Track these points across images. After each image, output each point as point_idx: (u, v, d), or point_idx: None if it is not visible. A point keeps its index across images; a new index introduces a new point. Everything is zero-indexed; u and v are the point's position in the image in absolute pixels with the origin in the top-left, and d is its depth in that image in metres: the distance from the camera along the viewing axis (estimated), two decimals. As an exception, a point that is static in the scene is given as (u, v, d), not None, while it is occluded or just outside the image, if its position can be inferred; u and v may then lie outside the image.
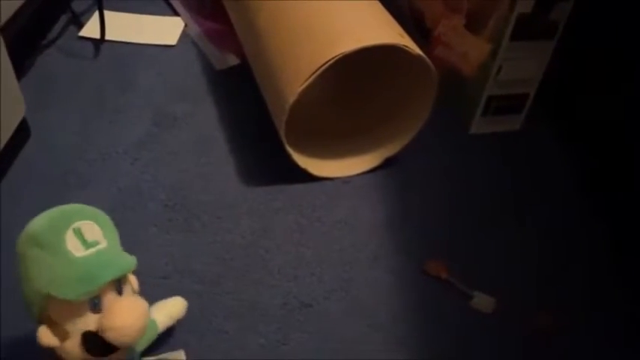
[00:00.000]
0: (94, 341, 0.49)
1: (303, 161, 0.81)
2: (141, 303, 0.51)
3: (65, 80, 0.95)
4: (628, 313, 0.72)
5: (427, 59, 0.75)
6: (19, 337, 0.63)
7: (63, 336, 0.50)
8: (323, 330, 0.67)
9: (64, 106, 0.91)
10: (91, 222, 0.51)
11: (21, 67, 0.94)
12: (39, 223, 0.51)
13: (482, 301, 0.71)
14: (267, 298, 0.69)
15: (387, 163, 0.86)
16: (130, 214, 0.77)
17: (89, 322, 0.49)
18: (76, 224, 0.50)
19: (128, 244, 0.73)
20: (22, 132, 0.82)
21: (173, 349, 0.63)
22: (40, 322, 0.50)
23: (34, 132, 0.85)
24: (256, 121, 0.90)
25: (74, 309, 0.49)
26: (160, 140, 0.87)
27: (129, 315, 0.49)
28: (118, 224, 0.75)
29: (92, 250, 0.50)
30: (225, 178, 0.83)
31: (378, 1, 0.84)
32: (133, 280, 0.54)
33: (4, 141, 0.77)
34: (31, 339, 0.51)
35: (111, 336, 0.48)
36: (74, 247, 0.49)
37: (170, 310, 0.63)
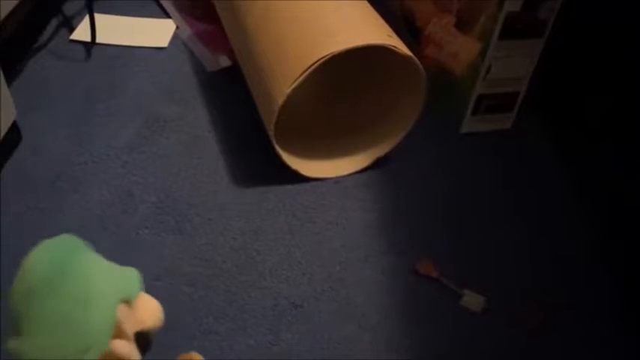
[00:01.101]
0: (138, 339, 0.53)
1: (294, 162, 0.81)
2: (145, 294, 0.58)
3: (56, 83, 0.96)
4: (619, 311, 0.72)
5: (416, 60, 0.75)
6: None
7: (128, 341, 0.52)
8: (314, 330, 0.67)
9: (55, 109, 0.91)
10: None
11: (12, 71, 0.94)
12: (61, 251, 0.50)
13: (472, 300, 0.71)
14: (258, 300, 0.69)
15: (377, 163, 0.86)
16: (121, 216, 0.77)
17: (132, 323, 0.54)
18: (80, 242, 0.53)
19: (120, 246, 0.74)
20: (12, 135, 0.82)
21: (164, 350, 0.63)
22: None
23: (25, 135, 0.85)
24: (247, 123, 0.90)
25: (130, 311, 0.53)
26: (151, 142, 0.87)
27: (152, 302, 0.57)
28: (110, 227, 0.76)
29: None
30: (216, 179, 0.83)
31: (367, 2, 0.84)
32: None
33: (-5, 145, 0.77)
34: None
35: (152, 323, 0.56)
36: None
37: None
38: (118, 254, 0.72)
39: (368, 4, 0.83)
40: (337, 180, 0.85)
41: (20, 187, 0.79)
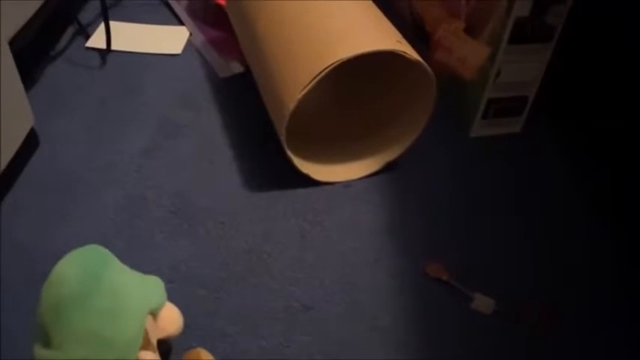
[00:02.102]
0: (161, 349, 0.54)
1: (305, 166, 0.82)
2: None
3: (72, 90, 0.98)
4: (630, 311, 0.72)
5: (425, 65, 0.76)
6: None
7: (154, 352, 0.53)
8: (325, 332, 0.68)
9: (71, 115, 0.93)
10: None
11: (30, 78, 0.96)
12: (88, 263, 0.49)
13: (483, 303, 0.71)
14: (269, 302, 0.71)
15: (387, 168, 0.87)
16: (136, 220, 0.78)
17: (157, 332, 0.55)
18: (106, 251, 0.54)
19: (134, 249, 0.75)
20: (30, 141, 0.84)
21: (177, 352, 0.64)
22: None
23: (42, 141, 0.87)
24: (259, 128, 0.91)
25: (154, 321, 0.55)
26: (165, 148, 0.89)
27: (172, 309, 0.58)
28: (124, 230, 0.77)
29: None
30: (229, 184, 0.84)
31: (376, 7, 0.85)
32: None
33: (14, 151, 0.79)
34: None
35: (174, 330, 0.57)
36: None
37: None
38: (132, 257, 0.74)
39: (377, 10, 0.84)
40: (347, 184, 0.86)
41: (37, 191, 0.81)
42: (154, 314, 0.55)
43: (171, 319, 0.58)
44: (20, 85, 0.80)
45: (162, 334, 0.57)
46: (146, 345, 0.51)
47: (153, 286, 0.57)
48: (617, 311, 0.72)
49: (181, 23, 1.14)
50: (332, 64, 0.72)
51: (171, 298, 0.69)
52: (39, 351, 0.47)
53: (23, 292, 0.69)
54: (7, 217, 0.77)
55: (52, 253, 0.73)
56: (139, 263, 0.72)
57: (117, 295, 0.48)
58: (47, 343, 0.47)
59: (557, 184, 0.88)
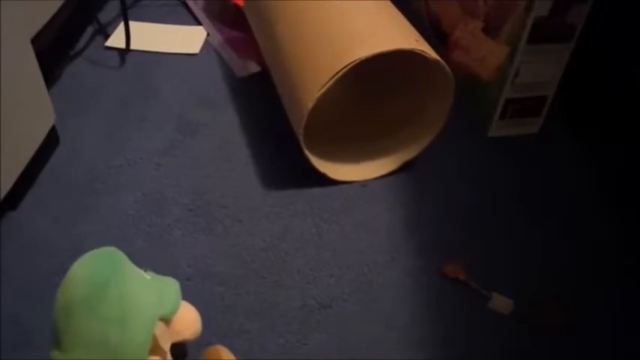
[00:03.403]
0: (177, 354, 0.54)
1: (322, 165, 0.83)
2: (186, 303, 0.58)
3: (92, 89, 0.99)
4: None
5: (444, 64, 0.76)
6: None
7: (163, 357, 0.52)
8: (342, 330, 0.68)
9: (90, 114, 0.94)
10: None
11: (50, 77, 0.97)
12: (98, 266, 0.50)
13: (500, 303, 0.71)
14: (286, 300, 0.71)
15: (405, 167, 0.87)
16: (154, 218, 0.79)
17: (171, 336, 0.54)
18: (123, 256, 0.54)
19: (153, 246, 0.76)
20: (51, 139, 0.86)
21: (196, 348, 0.65)
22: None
23: (63, 139, 0.88)
24: (276, 127, 0.92)
25: (166, 326, 0.54)
26: (183, 146, 0.90)
27: (190, 312, 0.57)
28: (143, 227, 0.78)
29: (145, 271, 0.56)
30: (246, 182, 0.85)
31: (394, 7, 0.85)
32: None
33: (35, 148, 0.80)
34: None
35: (191, 334, 0.56)
36: (141, 272, 0.54)
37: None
38: (150, 254, 0.75)
39: (396, 9, 0.84)
40: (364, 183, 0.86)
41: (58, 188, 0.82)
42: (165, 320, 0.54)
43: (187, 323, 0.57)
44: (42, 84, 0.81)
45: (177, 338, 0.56)
46: (155, 350, 0.51)
47: (166, 292, 0.55)
48: (637, 313, 0.72)
49: (199, 23, 1.15)
50: (350, 64, 0.72)
51: (189, 295, 0.70)
52: (51, 352, 0.48)
53: (44, 288, 0.70)
54: (28, 214, 0.78)
55: (72, 250, 0.74)
56: (157, 260, 0.74)
57: (125, 302, 0.48)
58: (58, 345, 0.47)
59: (576, 185, 0.87)
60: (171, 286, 0.56)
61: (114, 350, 0.46)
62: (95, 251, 0.52)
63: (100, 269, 0.49)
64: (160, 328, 0.52)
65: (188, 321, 0.57)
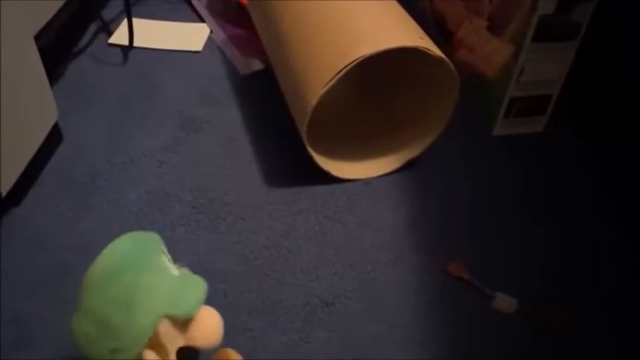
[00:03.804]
0: (182, 355, 0.52)
1: (325, 163, 0.82)
2: (213, 309, 0.55)
3: (95, 86, 0.99)
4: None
5: (448, 61, 0.76)
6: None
7: (164, 356, 0.51)
8: (345, 329, 0.68)
9: (93, 110, 0.94)
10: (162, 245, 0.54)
11: (53, 74, 0.97)
12: (129, 247, 0.51)
13: (504, 302, 0.71)
14: (289, 297, 0.71)
15: (408, 165, 0.87)
16: (157, 215, 0.79)
17: (181, 339, 0.52)
18: (161, 246, 0.53)
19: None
20: (54, 136, 0.85)
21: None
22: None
23: (66, 136, 0.88)
24: (279, 125, 0.92)
25: (176, 327, 0.51)
26: (186, 143, 0.89)
27: (213, 320, 0.54)
28: (146, 224, 0.78)
29: (178, 268, 0.54)
30: (249, 180, 0.85)
31: (399, 5, 0.85)
32: None
33: (38, 144, 0.80)
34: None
35: (205, 343, 0.52)
36: (170, 267, 0.52)
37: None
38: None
39: (400, 7, 0.84)
40: (368, 181, 0.86)
41: (61, 185, 0.82)
42: (175, 320, 0.52)
43: (204, 332, 0.54)
44: (45, 80, 0.81)
45: (190, 343, 0.53)
46: (156, 346, 0.50)
47: (185, 293, 0.52)
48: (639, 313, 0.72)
49: (202, 21, 1.15)
50: (355, 61, 0.72)
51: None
52: (74, 315, 0.51)
53: (45, 285, 0.70)
54: (30, 210, 0.78)
55: (74, 247, 0.74)
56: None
57: (136, 291, 0.49)
58: (78, 307, 0.50)
59: (580, 184, 0.87)
60: (194, 289, 0.53)
61: (113, 332, 0.48)
62: (134, 234, 0.53)
63: (123, 256, 0.50)
64: (165, 326, 0.51)
65: (206, 330, 0.54)
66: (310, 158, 0.81)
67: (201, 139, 0.90)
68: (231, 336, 0.66)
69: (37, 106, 0.80)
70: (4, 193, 0.72)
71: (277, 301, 0.70)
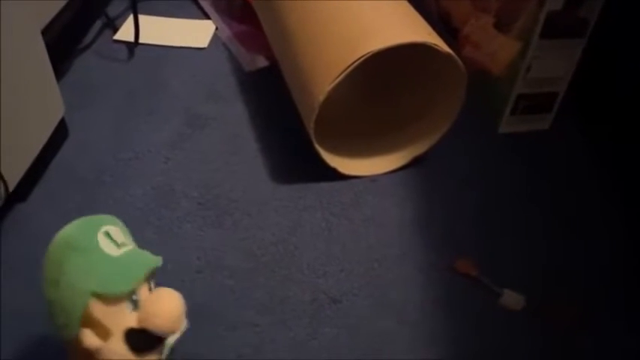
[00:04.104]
0: (137, 337, 0.50)
1: (332, 160, 0.82)
2: (176, 292, 0.53)
3: (101, 82, 0.98)
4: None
5: (456, 57, 0.76)
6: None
7: (104, 336, 0.51)
8: (352, 325, 0.68)
9: (99, 107, 0.94)
10: (115, 227, 0.54)
11: (59, 70, 0.97)
12: (69, 230, 0.53)
13: (512, 299, 0.70)
14: (297, 294, 0.70)
15: (415, 162, 0.87)
16: (164, 211, 0.79)
17: (129, 319, 0.51)
18: (104, 228, 0.53)
19: (163, 240, 0.75)
20: (60, 132, 0.85)
21: (207, 342, 0.64)
22: (82, 326, 0.51)
23: (72, 132, 0.88)
24: (285, 121, 0.91)
25: (117, 307, 0.51)
26: (192, 140, 0.89)
27: (169, 301, 0.51)
28: (153, 221, 0.78)
29: (124, 249, 0.53)
30: (255, 176, 0.84)
31: (406, 1, 0.85)
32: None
33: (45, 139, 0.80)
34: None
35: (155, 323, 0.50)
36: (108, 248, 0.52)
37: None
38: (160, 247, 0.74)
39: (408, 4, 0.84)
40: (374, 178, 0.85)
41: (67, 181, 0.82)
42: (107, 299, 0.50)
43: (154, 314, 0.51)
44: (52, 75, 0.80)
45: (142, 325, 0.51)
46: (95, 326, 0.50)
47: (117, 273, 0.51)
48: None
49: (207, 17, 1.15)
50: (363, 56, 0.72)
51: (199, 288, 0.70)
52: None
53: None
54: (36, 206, 0.78)
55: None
56: (167, 253, 0.72)
57: (62, 270, 0.50)
58: None
59: (586, 182, 0.87)
60: (130, 268, 0.51)
61: (53, 309, 0.51)
62: (82, 218, 0.55)
63: (60, 238, 0.53)
64: (98, 306, 0.50)
65: (158, 311, 0.51)
66: (317, 155, 0.81)
67: (206, 136, 0.90)
68: (238, 331, 0.66)
69: (43, 100, 0.80)
70: (10, 189, 0.72)
71: (284, 297, 0.70)
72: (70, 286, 0.50)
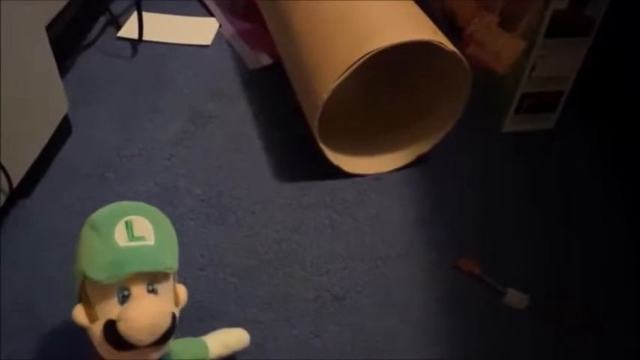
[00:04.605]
0: (111, 330, 0.50)
1: (336, 158, 0.82)
2: (163, 305, 0.51)
3: (104, 79, 0.98)
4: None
5: (461, 56, 0.75)
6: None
7: (93, 318, 0.51)
8: (355, 323, 0.68)
9: (103, 103, 0.94)
10: (144, 219, 0.53)
11: (62, 67, 0.97)
12: (101, 210, 0.55)
13: (515, 298, 0.70)
14: (300, 291, 0.70)
15: (418, 161, 0.86)
16: (167, 208, 0.77)
17: (114, 310, 0.51)
18: (129, 217, 0.53)
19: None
20: (64, 128, 0.85)
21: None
22: (79, 301, 0.53)
23: (75, 128, 0.88)
24: (288, 119, 0.91)
25: (105, 294, 0.51)
26: (196, 137, 0.89)
27: (144, 311, 0.50)
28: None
29: (136, 243, 0.52)
30: (259, 174, 0.84)
31: (412, 0, 0.84)
32: (181, 292, 0.55)
33: (49, 136, 0.80)
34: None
35: (121, 327, 0.49)
36: (120, 237, 0.51)
37: (227, 338, 0.62)
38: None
39: (412, 2, 0.84)
40: (378, 176, 0.85)
41: (70, 177, 0.82)
42: (94, 283, 0.50)
43: (127, 317, 0.50)
44: (56, 71, 0.80)
45: (118, 322, 0.50)
46: (89, 305, 0.51)
47: (105, 262, 0.51)
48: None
49: (211, 15, 1.15)
50: (367, 55, 0.71)
51: (202, 285, 0.70)
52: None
53: (54, 276, 0.70)
54: (40, 202, 0.78)
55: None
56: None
57: (79, 243, 0.53)
58: None
59: (590, 182, 0.87)
60: (122, 263, 0.51)
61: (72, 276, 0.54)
62: (120, 203, 0.56)
63: (94, 215, 0.54)
64: (91, 286, 0.51)
65: (129, 315, 0.50)
66: (320, 153, 0.81)
67: (210, 133, 0.90)
68: (241, 328, 0.66)
69: (47, 96, 0.79)
70: (14, 185, 0.72)
71: (288, 295, 0.70)
72: (77, 261, 0.53)
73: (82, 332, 0.54)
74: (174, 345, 0.56)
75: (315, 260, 0.74)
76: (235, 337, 0.63)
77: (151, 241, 0.53)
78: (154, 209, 0.56)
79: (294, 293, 0.70)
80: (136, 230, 0.52)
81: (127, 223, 0.52)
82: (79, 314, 0.52)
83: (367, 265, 0.74)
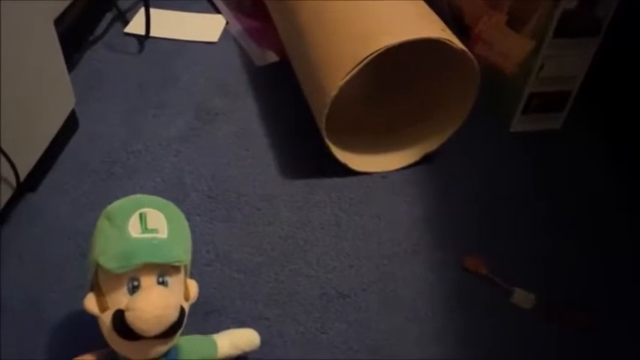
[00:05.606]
0: (119, 320, 0.50)
1: (343, 156, 0.82)
2: (172, 298, 0.51)
3: (111, 75, 0.98)
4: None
5: (470, 54, 0.75)
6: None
7: (104, 307, 0.52)
8: (361, 321, 0.68)
9: (110, 99, 0.94)
10: (159, 212, 0.54)
11: (70, 62, 0.97)
12: (118, 202, 0.55)
13: (522, 298, 0.70)
14: (306, 288, 0.70)
15: (425, 160, 0.86)
16: (173, 204, 0.78)
17: (124, 300, 0.51)
18: (144, 210, 0.53)
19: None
20: (70, 123, 0.85)
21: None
22: (91, 290, 0.53)
23: (82, 124, 0.88)
24: (295, 116, 0.91)
25: (116, 284, 0.51)
26: (202, 133, 0.89)
27: (151, 302, 0.50)
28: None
29: (148, 235, 0.53)
30: (265, 171, 0.84)
31: (420, -2, 0.84)
32: (192, 287, 0.56)
33: (56, 130, 0.80)
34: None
35: (129, 316, 0.49)
36: (133, 228, 0.52)
37: (237, 338, 0.62)
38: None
39: (421, 1, 0.83)
40: (385, 175, 0.85)
41: (76, 172, 0.82)
42: (106, 272, 0.51)
43: (134, 307, 0.50)
44: (64, 66, 0.80)
45: (126, 312, 0.50)
46: (100, 295, 0.52)
47: (116, 253, 0.51)
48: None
49: (218, 12, 1.15)
50: (375, 52, 0.71)
51: (208, 281, 0.70)
52: None
53: (61, 270, 0.70)
54: (47, 196, 0.78)
55: (89, 234, 0.73)
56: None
57: (94, 232, 0.54)
58: None
59: (597, 182, 0.86)
60: (132, 253, 0.51)
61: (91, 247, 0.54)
62: (140, 195, 0.57)
63: (112, 205, 0.55)
64: (103, 275, 0.52)
65: (137, 305, 0.50)
66: (327, 150, 0.80)
67: (216, 130, 0.90)
68: (247, 324, 0.66)
69: (55, 91, 0.79)
70: (21, 179, 0.72)
71: (294, 291, 0.70)
72: (91, 250, 0.53)
73: (87, 327, 0.54)
74: (183, 342, 0.56)
75: (321, 257, 0.74)
76: (246, 338, 0.62)
77: (163, 234, 0.53)
78: (169, 204, 0.57)
79: (300, 290, 0.70)
80: (149, 223, 0.53)
81: (141, 215, 0.53)
82: (91, 303, 0.52)
83: (373, 263, 0.74)
